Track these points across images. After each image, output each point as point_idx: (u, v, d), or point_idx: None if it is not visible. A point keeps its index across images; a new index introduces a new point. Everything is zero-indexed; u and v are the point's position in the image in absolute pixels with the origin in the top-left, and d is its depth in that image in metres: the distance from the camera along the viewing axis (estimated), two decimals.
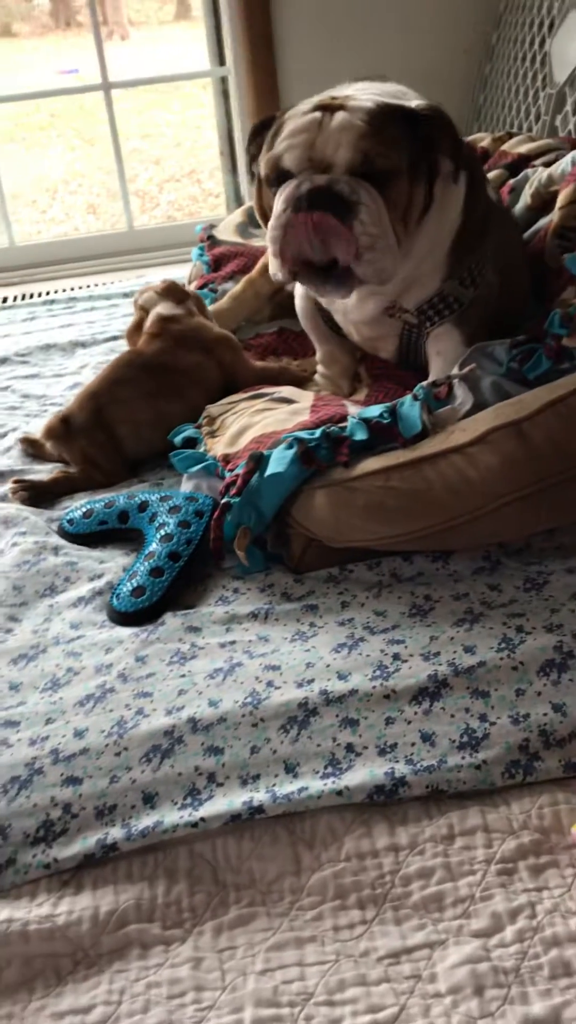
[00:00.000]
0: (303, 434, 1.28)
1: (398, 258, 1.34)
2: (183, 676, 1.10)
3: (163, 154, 6.15)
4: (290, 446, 1.26)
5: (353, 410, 1.40)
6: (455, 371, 1.30)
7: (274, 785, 0.97)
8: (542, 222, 1.80)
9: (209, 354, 1.65)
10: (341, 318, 1.61)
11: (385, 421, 1.25)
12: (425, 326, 1.49)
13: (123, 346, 2.12)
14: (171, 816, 0.95)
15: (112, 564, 1.34)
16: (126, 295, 2.46)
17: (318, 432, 1.27)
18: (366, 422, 1.26)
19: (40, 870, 0.93)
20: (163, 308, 1.71)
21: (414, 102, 1.39)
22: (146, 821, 0.95)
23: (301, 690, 1.05)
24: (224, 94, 3.03)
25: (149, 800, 0.97)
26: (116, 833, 0.94)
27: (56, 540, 1.40)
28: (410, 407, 1.25)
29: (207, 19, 2.94)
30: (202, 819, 0.94)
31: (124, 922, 0.89)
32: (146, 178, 5.60)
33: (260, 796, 0.96)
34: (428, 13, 2.88)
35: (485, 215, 1.46)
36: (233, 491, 1.27)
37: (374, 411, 1.28)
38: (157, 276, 2.55)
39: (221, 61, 2.98)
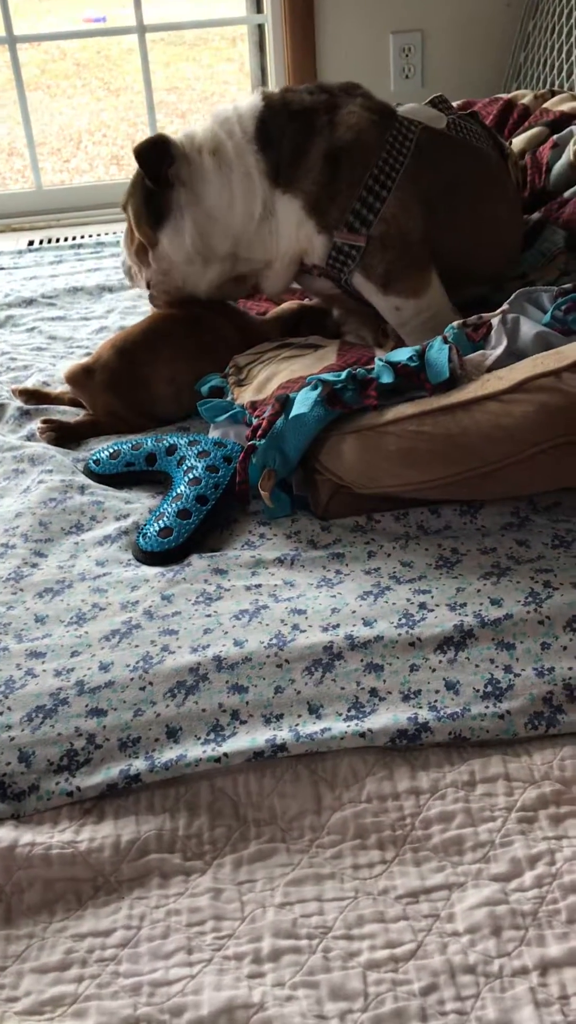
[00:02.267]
0: (328, 376, 1.27)
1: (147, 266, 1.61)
2: (208, 616, 1.10)
3: (190, 108, 6.08)
4: (315, 387, 1.26)
5: (381, 355, 1.39)
6: (502, 309, 1.29)
7: (297, 725, 0.97)
8: None
9: (225, 316, 1.64)
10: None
11: (413, 364, 1.24)
12: (341, 278, 1.54)
13: None
14: (194, 751, 0.95)
15: (138, 505, 1.34)
16: None
17: (344, 374, 1.26)
18: (392, 365, 1.25)
19: (63, 797, 0.94)
20: None
21: None
22: (169, 754, 0.95)
23: (326, 634, 1.06)
24: (260, 45, 2.98)
25: (173, 734, 0.97)
26: (139, 765, 0.95)
27: (82, 479, 1.40)
28: (439, 351, 1.24)
29: None
30: (225, 755, 0.95)
31: (145, 851, 0.90)
32: (171, 131, 5.53)
33: (283, 735, 0.96)
34: None
35: (328, 169, 1.48)
36: (259, 434, 1.27)
37: (403, 354, 1.27)
38: None
39: (259, 9, 2.92)
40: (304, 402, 1.23)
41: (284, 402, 1.27)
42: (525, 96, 2.14)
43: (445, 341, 1.25)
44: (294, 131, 1.50)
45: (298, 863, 0.89)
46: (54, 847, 0.89)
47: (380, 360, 1.28)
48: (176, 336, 1.56)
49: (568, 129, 1.88)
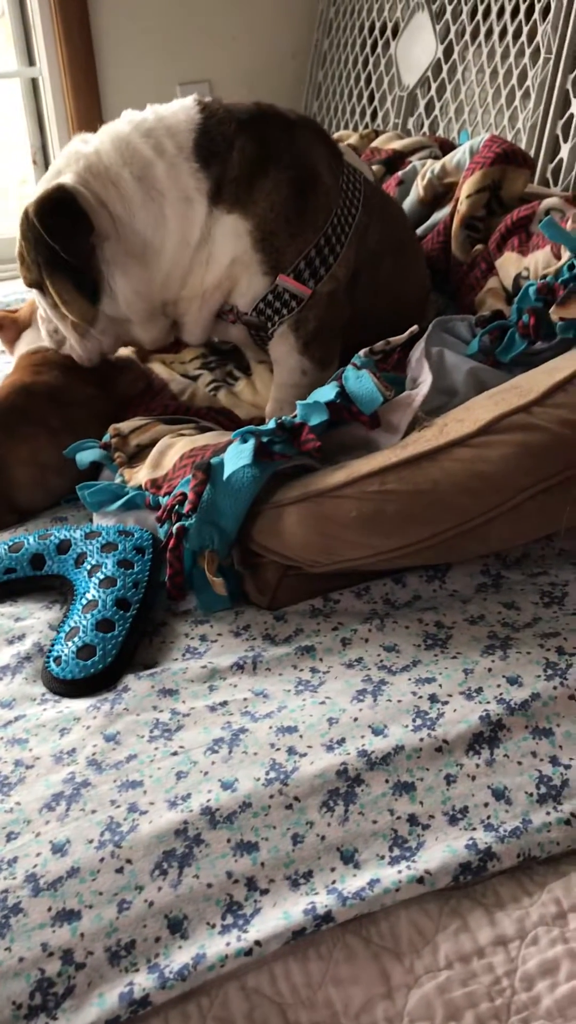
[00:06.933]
0: (254, 428, 1.07)
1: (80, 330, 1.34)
2: (175, 754, 0.86)
3: None
4: (244, 440, 1.05)
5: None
6: (411, 335, 1.14)
7: (335, 882, 0.75)
8: (438, 216, 1.70)
9: (105, 385, 1.40)
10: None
11: (339, 401, 1.08)
12: (267, 327, 1.33)
13: None
14: (214, 945, 0.71)
15: (33, 621, 1.07)
16: None
17: (270, 424, 1.07)
18: (318, 406, 1.08)
19: None
20: (35, 337, 1.46)
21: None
22: (181, 957, 0.71)
23: (334, 754, 0.84)
24: (35, 97, 2.76)
25: (177, 927, 0.73)
26: (144, 980, 0.69)
27: None
28: (357, 379, 1.08)
29: (13, 15, 2.67)
30: (256, 943, 0.71)
31: None
32: (61, 170, 5.10)
33: (323, 899, 0.74)
34: (252, 18, 2.75)
35: (295, 200, 1.27)
36: (187, 507, 1.04)
37: (322, 394, 1.10)
38: None
39: (31, 62, 2.72)
40: (238, 457, 1.03)
41: (207, 469, 1.05)
42: (350, 137, 2.06)
43: (357, 367, 1.10)
44: (247, 141, 1.25)
45: None
46: None
47: (302, 403, 1.10)
48: (35, 410, 1.30)
49: (411, 166, 1.80)
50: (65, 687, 0.96)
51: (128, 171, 1.24)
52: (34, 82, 2.75)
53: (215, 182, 1.25)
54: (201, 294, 1.31)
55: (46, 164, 2.85)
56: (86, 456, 1.27)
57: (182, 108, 1.29)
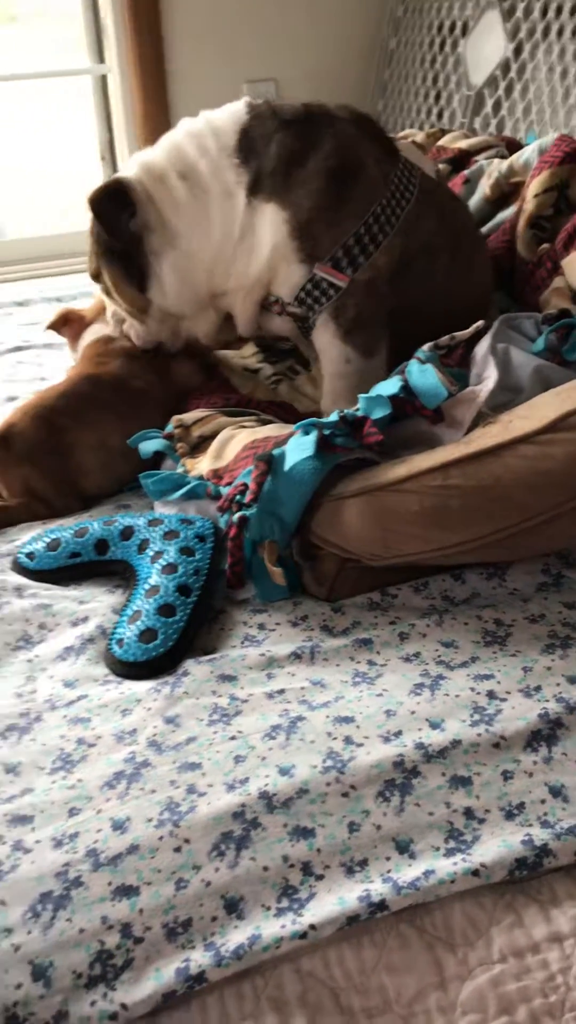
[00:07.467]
0: (316, 420, 1.09)
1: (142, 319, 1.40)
2: (233, 739, 0.87)
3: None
4: (306, 432, 1.07)
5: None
6: (478, 330, 1.15)
7: (390, 871, 0.76)
8: (504, 215, 1.69)
9: (163, 373, 1.43)
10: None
11: (402, 396, 1.08)
12: (310, 316, 1.36)
13: (31, 356, 1.87)
14: (269, 926, 0.72)
15: (96, 604, 1.09)
16: (19, 304, 2.18)
17: (333, 416, 1.08)
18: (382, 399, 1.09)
19: (105, 1023, 0.68)
20: (98, 329, 1.50)
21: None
22: (237, 937, 0.72)
23: (391, 745, 0.85)
24: (104, 95, 2.80)
25: (233, 907, 0.74)
26: (200, 958, 0.71)
27: (15, 579, 1.13)
28: (421, 373, 1.09)
29: (85, 13, 2.71)
30: (312, 927, 0.72)
31: None
32: (125, 168, 5.17)
33: (378, 887, 0.74)
34: (319, 17, 2.76)
35: (332, 190, 1.30)
36: (249, 497, 1.06)
37: (385, 387, 1.11)
38: (33, 288, 2.30)
39: (102, 59, 2.75)
40: (300, 449, 1.04)
41: (269, 461, 1.06)
42: (417, 135, 2.05)
43: (422, 362, 1.10)
44: (285, 137, 1.30)
45: None
46: None
47: (363, 396, 1.10)
48: (101, 397, 1.33)
49: (477, 165, 1.79)
50: (127, 669, 0.97)
51: (175, 171, 1.33)
52: (103, 79, 2.79)
53: (254, 175, 1.32)
54: (245, 285, 1.36)
55: (113, 160, 2.89)
56: (149, 446, 1.29)
57: (231, 111, 1.36)
